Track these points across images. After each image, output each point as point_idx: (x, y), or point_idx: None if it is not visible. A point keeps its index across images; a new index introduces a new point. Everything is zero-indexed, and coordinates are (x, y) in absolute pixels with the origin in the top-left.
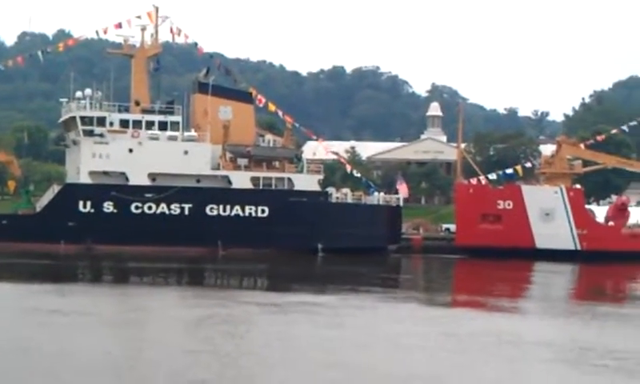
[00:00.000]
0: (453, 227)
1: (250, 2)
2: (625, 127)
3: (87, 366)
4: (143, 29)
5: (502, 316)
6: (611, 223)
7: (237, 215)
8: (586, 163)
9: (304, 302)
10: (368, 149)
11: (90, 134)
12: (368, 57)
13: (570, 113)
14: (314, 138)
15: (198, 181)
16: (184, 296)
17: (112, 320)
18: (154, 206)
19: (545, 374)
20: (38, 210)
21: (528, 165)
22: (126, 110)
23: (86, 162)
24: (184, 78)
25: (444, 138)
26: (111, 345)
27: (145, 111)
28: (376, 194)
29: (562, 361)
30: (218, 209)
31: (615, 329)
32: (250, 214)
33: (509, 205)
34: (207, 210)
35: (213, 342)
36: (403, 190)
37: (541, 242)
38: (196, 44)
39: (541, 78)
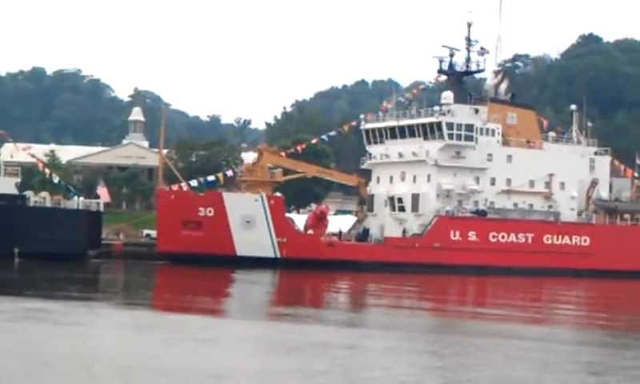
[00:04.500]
0: (154, 233)
1: None
2: (325, 136)
3: None
4: None
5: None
6: (310, 232)
7: None
8: (286, 172)
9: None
10: (68, 153)
11: None
12: (69, 59)
13: (272, 121)
14: (11, 140)
15: None
16: None
17: None
18: None
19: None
20: None
21: (229, 172)
22: None
23: None
24: None
25: (146, 144)
26: None
27: None
28: (75, 198)
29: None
30: None
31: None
32: None
33: (210, 212)
34: None
35: None
36: (104, 194)
37: (241, 250)
38: None
39: (243, 87)
